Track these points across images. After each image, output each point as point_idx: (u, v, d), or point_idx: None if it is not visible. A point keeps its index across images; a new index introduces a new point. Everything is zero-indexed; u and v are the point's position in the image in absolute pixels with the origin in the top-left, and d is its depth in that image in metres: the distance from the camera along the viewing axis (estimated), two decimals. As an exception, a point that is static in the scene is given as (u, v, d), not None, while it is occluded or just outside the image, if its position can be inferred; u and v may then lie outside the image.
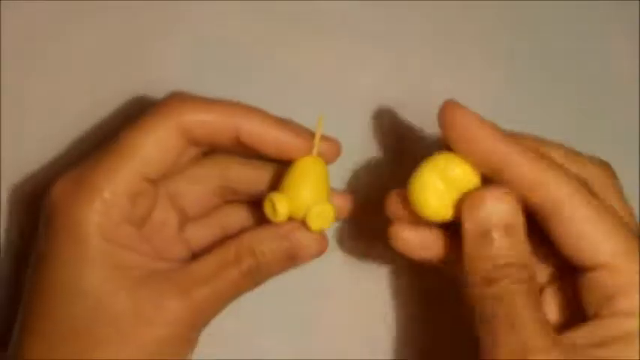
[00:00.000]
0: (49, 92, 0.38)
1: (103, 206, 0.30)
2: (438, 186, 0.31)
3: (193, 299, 0.30)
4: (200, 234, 0.35)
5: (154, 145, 0.31)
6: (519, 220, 0.30)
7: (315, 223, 0.31)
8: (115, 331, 0.29)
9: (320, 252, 0.32)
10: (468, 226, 0.30)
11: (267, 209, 0.31)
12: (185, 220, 0.34)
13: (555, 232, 0.30)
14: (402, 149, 0.39)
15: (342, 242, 0.38)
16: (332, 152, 0.33)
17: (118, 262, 0.30)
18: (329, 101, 0.39)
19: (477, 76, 0.40)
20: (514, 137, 0.31)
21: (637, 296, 0.29)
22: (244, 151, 0.32)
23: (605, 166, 0.33)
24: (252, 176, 0.34)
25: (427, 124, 0.38)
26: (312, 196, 0.31)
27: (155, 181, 0.32)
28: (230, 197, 0.35)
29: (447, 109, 0.31)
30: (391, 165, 0.39)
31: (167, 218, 0.33)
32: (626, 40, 0.42)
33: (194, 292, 0.30)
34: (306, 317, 0.37)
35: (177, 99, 0.32)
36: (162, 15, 0.39)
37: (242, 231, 0.32)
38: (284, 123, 0.32)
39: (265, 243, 0.31)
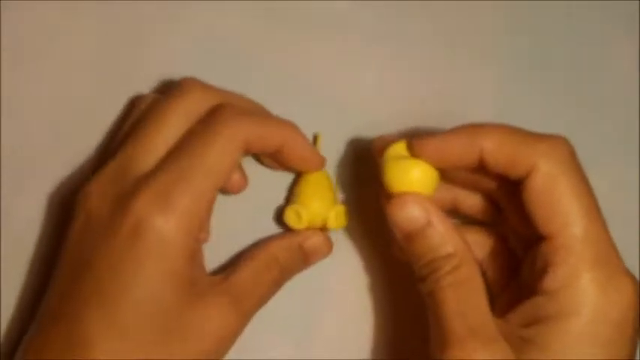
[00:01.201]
0: (48, 94, 0.38)
1: (187, 224, 0.31)
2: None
3: (243, 309, 0.33)
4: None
5: (226, 161, 0.32)
6: (436, 216, 0.31)
7: (334, 223, 0.36)
8: (184, 349, 0.31)
9: (328, 254, 0.36)
10: (394, 231, 0.32)
11: (290, 218, 0.36)
12: None
13: (528, 198, 0.31)
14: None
15: (341, 242, 0.38)
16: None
17: (191, 280, 0.32)
18: (329, 101, 0.39)
19: (477, 76, 0.40)
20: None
21: (563, 271, 0.30)
22: (269, 159, 0.36)
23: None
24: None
25: (427, 124, 0.38)
26: (327, 204, 0.36)
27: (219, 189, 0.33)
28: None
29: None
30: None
31: None
32: (626, 40, 0.42)
33: (244, 303, 0.33)
34: (306, 317, 0.37)
35: (234, 112, 0.33)
36: (163, 15, 0.39)
37: (267, 239, 0.36)
38: (309, 144, 0.36)
39: (287, 251, 0.35)
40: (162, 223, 0.31)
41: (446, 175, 0.33)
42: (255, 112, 0.35)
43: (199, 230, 0.32)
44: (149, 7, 0.39)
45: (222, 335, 0.32)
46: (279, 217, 0.37)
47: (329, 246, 0.36)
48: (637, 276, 0.37)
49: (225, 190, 0.36)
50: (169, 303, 0.31)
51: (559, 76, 0.41)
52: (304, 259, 0.36)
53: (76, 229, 0.33)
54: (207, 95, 0.34)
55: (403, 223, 0.31)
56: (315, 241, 0.36)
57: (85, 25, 0.39)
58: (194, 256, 0.32)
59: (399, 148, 0.33)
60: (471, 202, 0.35)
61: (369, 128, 0.39)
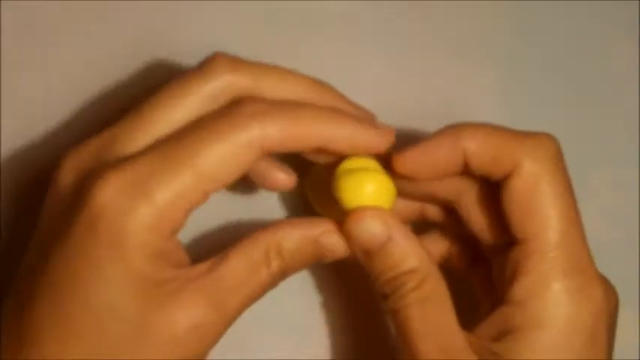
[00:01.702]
0: (49, 94, 0.38)
1: (156, 221, 0.27)
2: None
3: (227, 309, 0.28)
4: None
5: (226, 159, 0.28)
6: (397, 231, 0.29)
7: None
8: (147, 354, 0.27)
9: (346, 254, 0.30)
10: (353, 248, 0.30)
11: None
12: None
13: (508, 198, 0.29)
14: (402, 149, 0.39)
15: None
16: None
17: (155, 280, 0.27)
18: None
19: (477, 76, 0.40)
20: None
21: (533, 279, 0.28)
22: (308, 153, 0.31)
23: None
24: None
25: (427, 124, 0.38)
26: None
27: (209, 195, 0.29)
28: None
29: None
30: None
31: None
32: (626, 40, 0.42)
33: (227, 301, 0.28)
34: (306, 316, 0.37)
35: (257, 107, 0.28)
36: (163, 16, 0.39)
37: (265, 227, 0.30)
38: (365, 123, 0.31)
39: (294, 245, 0.29)
40: (126, 215, 0.27)
41: (404, 189, 0.31)
42: (286, 104, 0.29)
43: (171, 232, 0.28)
44: (149, 8, 0.39)
45: (197, 338, 0.28)
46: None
47: (348, 246, 0.31)
48: (637, 276, 0.37)
49: (269, 188, 0.32)
50: (128, 306, 0.27)
51: (559, 76, 0.41)
52: (316, 257, 0.30)
53: (45, 209, 0.29)
54: (235, 77, 0.29)
55: (362, 239, 0.29)
56: (331, 239, 0.30)
57: (84, 26, 0.39)
58: (162, 255, 0.28)
59: (352, 162, 0.30)
60: (437, 210, 0.33)
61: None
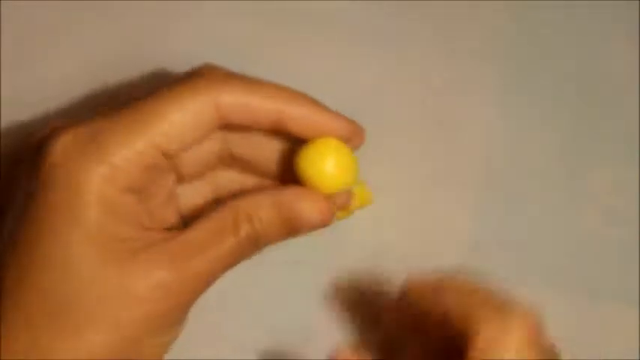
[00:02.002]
0: (48, 94, 0.38)
1: (110, 173, 0.27)
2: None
3: (188, 271, 0.28)
4: (191, 195, 0.32)
5: (182, 119, 0.28)
6: None
7: (361, 200, 0.31)
8: (103, 309, 0.27)
9: (322, 223, 0.29)
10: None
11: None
12: (179, 179, 0.31)
13: None
14: (402, 149, 0.39)
15: (340, 241, 0.38)
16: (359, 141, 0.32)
17: (113, 236, 0.27)
18: (328, 101, 0.39)
19: (477, 76, 0.40)
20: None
21: None
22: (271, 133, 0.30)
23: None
24: (254, 144, 0.31)
25: (427, 124, 0.38)
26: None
27: (171, 157, 0.29)
28: (227, 162, 0.32)
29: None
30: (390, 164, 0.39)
31: (165, 181, 0.30)
32: (626, 41, 0.41)
33: (189, 263, 0.28)
34: (306, 316, 0.37)
35: (217, 74, 0.29)
36: (163, 15, 0.39)
37: (238, 195, 0.29)
38: (325, 107, 0.30)
39: (264, 210, 0.29)
40: (79, 168, 0.27)
41: None
42: (246, 77, 0.29)
43: (128, 187, 0.27)
44: (149, 8, 0.39)
45: (159, 297, 0.27)
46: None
47: (323, 214, 0.29)
48: (637, 276, 0.37)
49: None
50: (84, 261, 0.27)
51: (559, 76, 0.41)
52: (289, 226, 0.29)
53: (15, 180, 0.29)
54: (221, 96, 0.29)
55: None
56: (303, 205, 0.29)
57: (84, 26, 0.39)
58: (120, 210, 0.27)
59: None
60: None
61: (369, 128, 0.39)
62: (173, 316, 0.28)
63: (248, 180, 0.32)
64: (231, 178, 0.33)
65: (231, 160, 0.32)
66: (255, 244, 0.29)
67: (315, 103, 0.30)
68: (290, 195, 0.29)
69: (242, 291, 0.37)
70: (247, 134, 0.31)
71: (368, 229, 0.38)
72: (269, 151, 0.32)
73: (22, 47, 0.38)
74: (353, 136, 0.31)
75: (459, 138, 0.39)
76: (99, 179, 0.27)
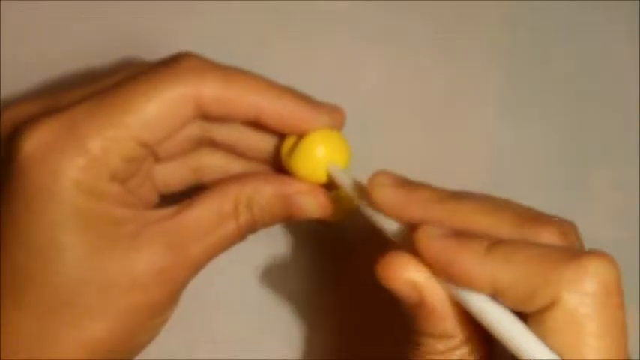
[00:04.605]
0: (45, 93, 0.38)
1: (89, 164, 0.26)
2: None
3: (188, 256, 0.28)
4: (169, 174, 0.32)
5: (160, 111, 0.27)
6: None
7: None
8: (103, 298, 0.27)
9: (321, 216, 0.30)
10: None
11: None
12: (157, 160, 0.31)
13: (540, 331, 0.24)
14: (402, 149, 0.39)
15: (340, 240, 0.38)
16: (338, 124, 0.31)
17: (107, 219, 0.27)
18: (328, 101, 0.39)
19: (477, 76, 0.40)
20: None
21: None
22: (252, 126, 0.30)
23: (565, 228, 0.26)
24: (236, 130, 0.31)
25: (427, 124, 0.38)
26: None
27: (149, 147, 0.28)
28: (208, 146, 0.32)
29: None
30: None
31: (144, 166, 0.30)
32: (626, 41, 0.42)
33: (189, 248, 0.28)
34: (306, 316, 0.37)
35: (196, 64, 0.28)
36: (163, 15, 0.39)
37: (235, 179, 0.29)
38: (306, 99, 0.30)
39: (265, 199, 0.29)
40: (57, 157, 0.26)
41: None
42: (226, 67, 0.29)
43: (109, 176, 0.27)
44: (149, 8, 0.39)
45: (157, 282, 0.27)
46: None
47: (323, 207, 0.30)
48: (637, 276, 0.37)
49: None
50: (74, 245, 0.26)
51: (559, 76, 0.41)
52: (288, 216, 0.29)
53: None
54: (201, 85, 0.28)
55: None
56: (313, 199, 0.29)
57: (84, 26, 0.39)
58: (105, 195, 0.27)
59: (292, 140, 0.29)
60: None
61: (369, 128, 0.39)
62: (171, 299, 0.28)
63: (232, 162, 0.32)
64: (212, 161, 0.32)
65: (212, 144, 0.32)
66: (252, 230, 0.29)
67: (296, 97, 0.29)
68: (292, 188, 0.29)
69: (242, 291, 0.37)
70: (229, 124, 0.31)
71: (368, 229, 0.38)
72: (253, 139, 0.31)
73: (22, 47, 0.38)
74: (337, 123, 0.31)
75: (459, 138, 0.39)
76: (77, 170, 0.26)
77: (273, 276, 0.37)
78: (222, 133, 0.31)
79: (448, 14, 0.41)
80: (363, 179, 0.37)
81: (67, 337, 0.27)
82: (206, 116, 0.29)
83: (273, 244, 0.38)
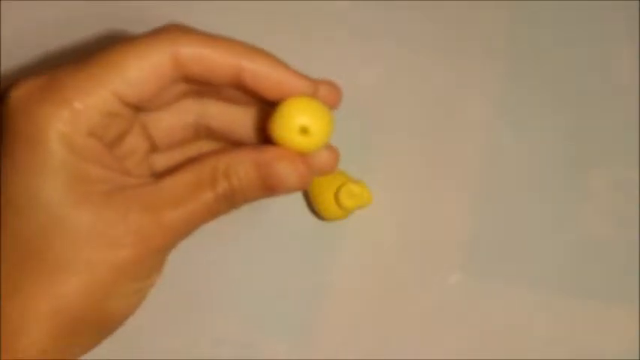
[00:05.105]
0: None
1: (70, 116, 0.27)
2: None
3: (164, 220, 0.28)
4: (166, 164, 0.32)
5: (141, 67, 0.28)
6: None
7: (347, 202, 0.33)
8: (75, 251, 0.27)
9: (300, 186, 0.29)
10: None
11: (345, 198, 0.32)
12: (152, 149, 0.32)
13: None
14: (402, 148, 0.39)
15: (340, 240, 0.38)
16: (333, 98, 0.31)
17: (82, 174, 0.27)
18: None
19: (477, 76, 0.40)
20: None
21: None
22: (235, 92, 0.30)
23: None
24: (232, 117, 0.32)
25: (427, 123, 0.38)
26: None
27: (133, 107, 0.29)
28: (204, 135, 0.32)
29: None
30: (390, 164, 0.39)
31: (136, 145, 0.31)
32: (627, 41, 0.42)
33: (165, 212, 0.28)
34: (306, 316, 0.37)
35: (178, 27, 0.29)
36: (163, 15, 0.39)
37: (216, 151, 0.30)
38: (287, 65, 0.30)
39: (242, 167, 0.29)
40: (39, 110, 0.27)
41: None
42: (213, 34, 0.30)
43: (89, 130, 0.28)
44: (149, 8, 0.39)
45: (131, 245, 0.27)
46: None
47: (302, 177, 0.29)
48: (637, 276, 0.37)
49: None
50: (49, 196, 0.27)
51: (559, 76, 0.41)
52: (266, 185, 0.29)
53: None
54: (180, 48, 0.29)
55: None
56: (282, 166, 0.29)
57: (84, 25, 0.39)
58: (86, 152, 0.27)
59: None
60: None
61: (369, 128, 0.39)
62: (147, 263, 0.28)
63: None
64: (209, 149, 0.32)
65: (209, 133, 0.32)
66: (231, 201, 0.29)
67: (275, 60, 0.30)
68: (269, 154, 0.29)
69: (241, 291, 0.37)
70: (224, 108, 0.31)
71: (368, 229, 0.38)
72: (249, 125, 0.31)
73: (22, 47, 0.38)
74: (327, 94, 0.31)
75: (459, 138, 0.39)
76: (59, 121, 0.27)
77: (274, 276, 0.37)
78: (218, 117, 0.31)
79: (448, 14, 0.41)
80: (362, 178, 0.37)
81: (38, 289, 0.27)
82: (188, 77, 0.29)
83: (273, 244, 0.38)
